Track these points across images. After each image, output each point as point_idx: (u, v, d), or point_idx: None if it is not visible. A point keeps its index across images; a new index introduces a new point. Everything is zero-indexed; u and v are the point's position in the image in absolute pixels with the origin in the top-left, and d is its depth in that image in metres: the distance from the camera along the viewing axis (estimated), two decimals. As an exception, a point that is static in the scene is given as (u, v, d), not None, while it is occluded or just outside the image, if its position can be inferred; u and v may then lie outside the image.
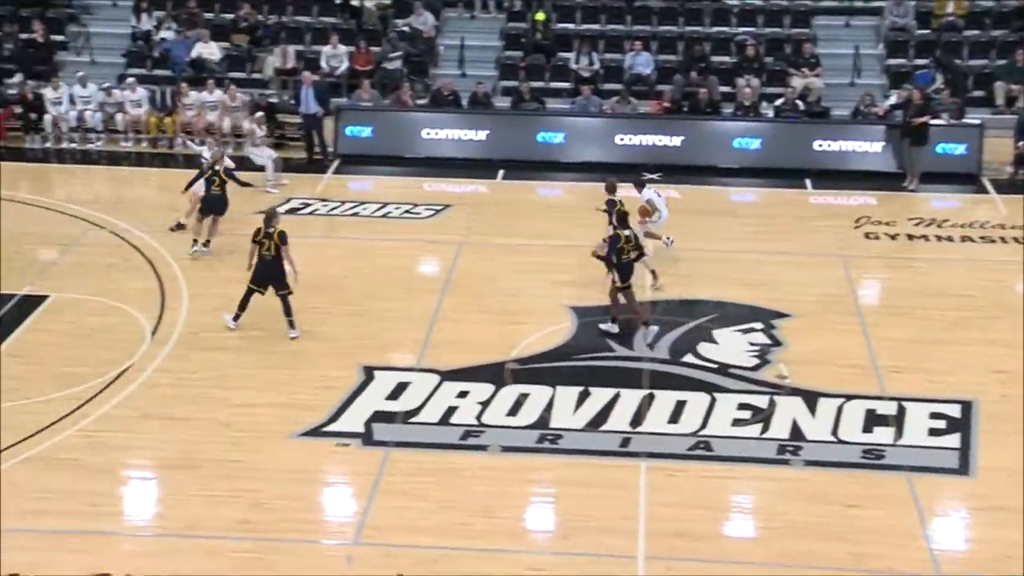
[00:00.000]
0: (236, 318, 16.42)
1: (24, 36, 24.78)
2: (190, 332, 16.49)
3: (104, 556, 11.94)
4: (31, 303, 17.14)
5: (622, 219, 16.45)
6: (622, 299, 16.36)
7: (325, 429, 14.27)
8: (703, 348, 16.19)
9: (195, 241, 18.65)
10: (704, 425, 14.37)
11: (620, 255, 16.14)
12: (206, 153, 19.89)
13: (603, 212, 17.70)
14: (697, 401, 14.86)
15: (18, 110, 23.47)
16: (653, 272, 17.59)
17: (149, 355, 15.85)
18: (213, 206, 18.50)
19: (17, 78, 24.02)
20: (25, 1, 25.62)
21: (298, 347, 16.11)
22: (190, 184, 18.87)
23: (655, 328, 16.47)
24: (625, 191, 18.46)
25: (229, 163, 19.21)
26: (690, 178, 22.47)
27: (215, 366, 15.66)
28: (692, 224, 20.26)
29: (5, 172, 22.12)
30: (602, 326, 16.58)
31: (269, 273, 16.11)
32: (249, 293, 16.29)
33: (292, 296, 16.17)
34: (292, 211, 20.64)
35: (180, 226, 19.29)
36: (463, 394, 15.01)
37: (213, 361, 15.77)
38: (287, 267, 16.11)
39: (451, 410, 14.68)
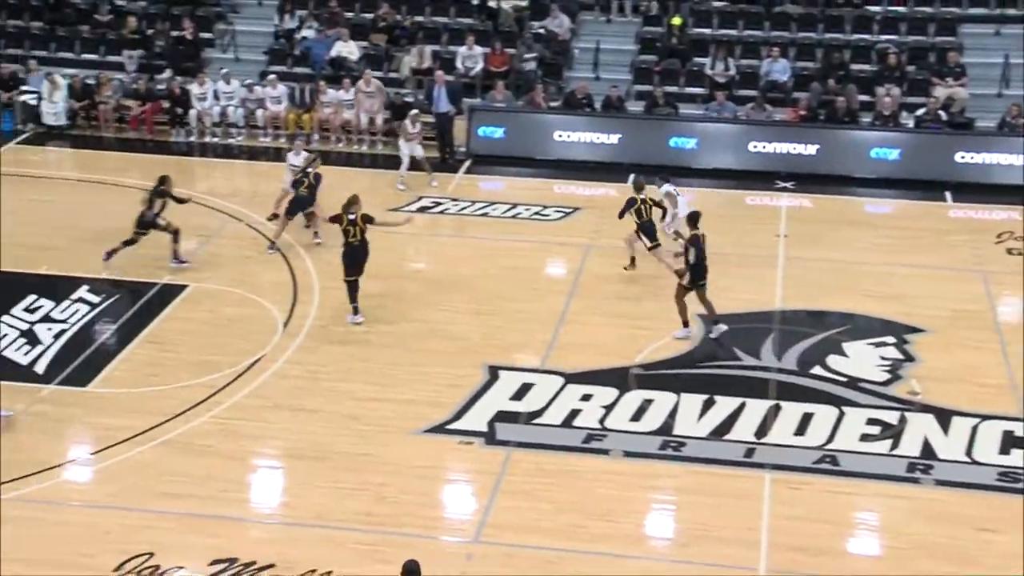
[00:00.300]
0: (356, 312, 16.75)
1: (174, 33, 25.55)
2: (320, 325, 16.82)
3: (233, 541, 12.27)
4: (171, 292, 17.68)
5: (693, 220, 16.40)
6: (696, 298, 16.33)
7: (449, 427, 14.41)
8: (832, 360, 15.90)
9: (272, 243, 18.94)
10: (831, 439, 14.12)
11: (699, 254, 16.18)
12: (294, 159, 20.12)
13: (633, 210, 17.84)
14: (825, 414, 14.60)
15: (165, 105, 24.21)
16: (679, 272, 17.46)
17: (280, 346, 16.22)
18: (299, 206, 18.80)
19: (166, 74, 24.79)
20: (177, 0, 26.43)
21: (425, 344, 16.30)
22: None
23: (723, 326, 16.41)
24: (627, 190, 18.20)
25: (319, 170, 19.27)
26: (825, 188, 22.08)
27: (344, 359, 15.94)
28: (825, 234, 19.92)
29: (151, 164, 22.82)
30: (712, 334, 16.47)
31: (357, 259, 16.60)
32: (350, 286, 16.70)
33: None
34: (423, 210, 20.90)
35: (275, 216, 19.66)
36: (587, 397, 15.01)
37: (342, 354, 16.06)
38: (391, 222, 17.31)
39: (574, 413, 14.70)
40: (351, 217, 16.52)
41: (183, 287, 17.79)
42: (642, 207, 17.67)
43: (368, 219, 16.63)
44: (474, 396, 15.06)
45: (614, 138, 23.35)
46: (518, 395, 15.11)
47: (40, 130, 23.95)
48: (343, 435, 14.24)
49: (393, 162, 22.29)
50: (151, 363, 15.78)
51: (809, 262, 18.85)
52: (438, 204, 21.21)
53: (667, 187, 19.04)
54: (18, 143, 23.57)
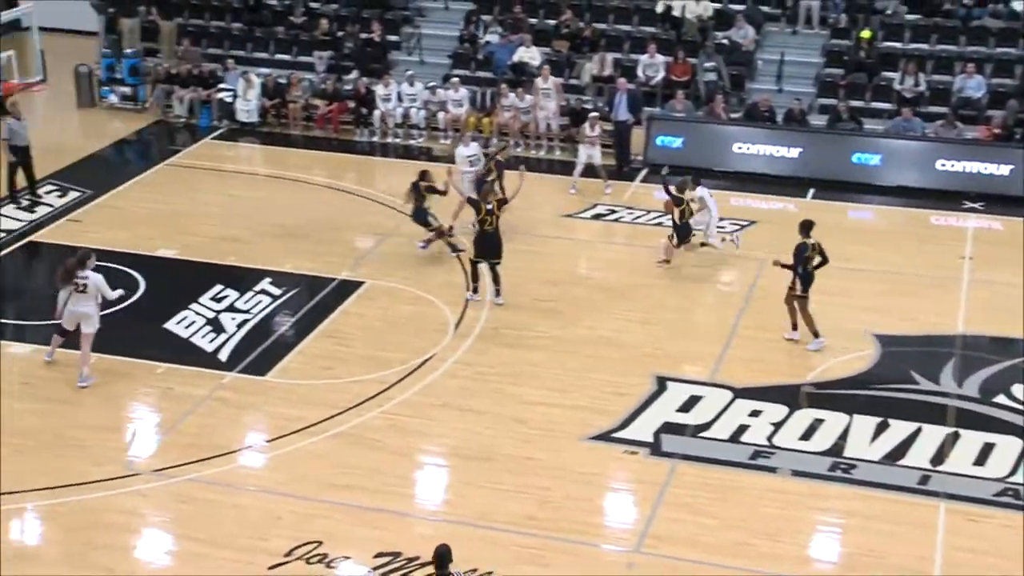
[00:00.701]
0: (475, 291, 17.57)
1: (363, 36, 26.20)
2: (491, 327, 16.98)
3: (397, 535, 12.50)
4: (348, 288, 18.12)
5: (806, 227, 16.22)
6: (798, 307, 16.27)
7: (615, 435, 14.38)
8: (1018, 390, 15.27)
9: (427, 243, 19.06)
10: (1014, 471, 13.55)
11: (806, 264, 15.99)
12: (464, 150, 20.45)
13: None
14: (1007, 445, 14.04)
15: (351, 105, 24.85)
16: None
17: (451, 346, 16.44)
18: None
19: (353, 75, 25.44)
20: (367, 3, 27.11)
21: (594, 351, 16.31)
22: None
23: (823, 340, 16.12)
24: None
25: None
26: (1016, 210, 21.18)
27: (513, 362, 16.06)
28: (1014, 258, 19.12)
29: (334, 162, 23.50)
30: (809, 347, 16.23)
31: (491, 246, 17.39)
32: (474, 266, 17.57)
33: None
34: (597, 216, 20.91)
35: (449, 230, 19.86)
36: (755, 413, 14.78)
37: (511, 357, 16.19)
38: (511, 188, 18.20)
39: (742, 428, 14.49)
40: (488, 207, 17.25)
41: (360, 283, 18.21)
42: (686, 208, 18.30)
43: (502, 204, 17.57)
44: (641, 406, 14.99)
45: (795, 152, 22.92)
46: (685, 407, 14.98)
47: (233, 126, 24.87)
48: (509, 437, 14.35)
49: (569, 168, 22.38)
50: (326, 356, 16.20)
51: (996, 286, 18.14)
52: (612, 212, 21.18)
53: (701, 190, 19.06)
54: (213, 138, 24.53)
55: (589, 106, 24.02)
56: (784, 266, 16.25)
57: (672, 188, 18.63)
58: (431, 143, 24.28)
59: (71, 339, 15.41)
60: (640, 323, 17.15)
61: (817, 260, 16.17)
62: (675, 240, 18.58)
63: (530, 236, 19.28)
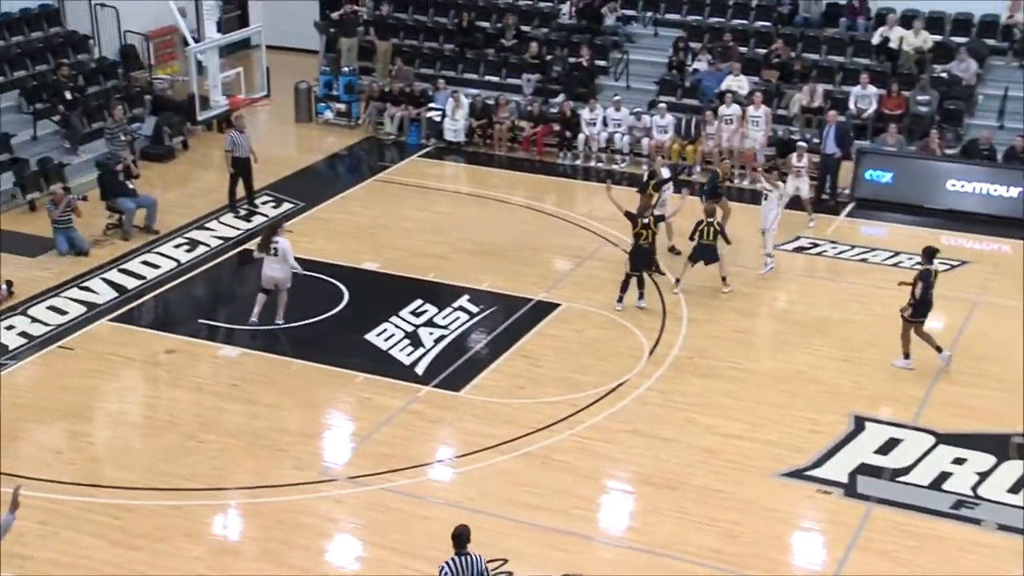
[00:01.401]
0: (620, 300, 18.01)
1: (571, 60, 26.44)
2: (685, 356, 16.84)
3: (581, 558, 12.51)
4: (544, 309, 18.25)
5: (929, 255, 16.16)
6: (907, 329, 16.31)
7: (808, 473, 14.05)
8: None
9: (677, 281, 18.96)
10: None
11: (926, 291, 15.94)
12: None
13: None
14: None
15: (556, 128, 25.07)
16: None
17: (644, 373, 16.37)
18: (701, 254, 18.63)
19: (560, 98, 25.68)
20: (577, 28, 27.35)
21: (789, 386, 15.99)
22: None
23: (911, 362, 16.08)
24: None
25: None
26: None
27: (706, 393, 15.88)
28: None
29: (537, 184, 23.75)
30: (896, 363, 16.19)
31: (645, 259, 17.98)
32: (627, 279, 18.00)
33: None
34: (799, 250, 20.49)
35: (674, 250, 19.82)
36: (959, 461, 14.21)
37: (704, 388, 16.01)
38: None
39: (944, 475, 13.94)
40: (644, 221, 17.79)
41: (556, 305, 18.32)
42: (707, 229, 18.44)
43: (658, 221, 18.09)
44: (837, 445, 14.60)
45: (1014, 191, 21.94)
46: (884, 449, 14.51)
47: (440, 145, 25.43)
48: (698, 468, 14.18)
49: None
50: (519, 375, 16.35)
51: None
52: (816, 245, 20.72)
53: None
54: (420, 156, 25.13)
55: (797, 137, 23.60)
56: (905, 283, 16.47)
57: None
58: (634, 168, 24.27)
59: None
60: (839, 360, 16.71)
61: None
62: (689, 264, 18.62)
63: (728, 265, 19.01)
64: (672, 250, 19.78)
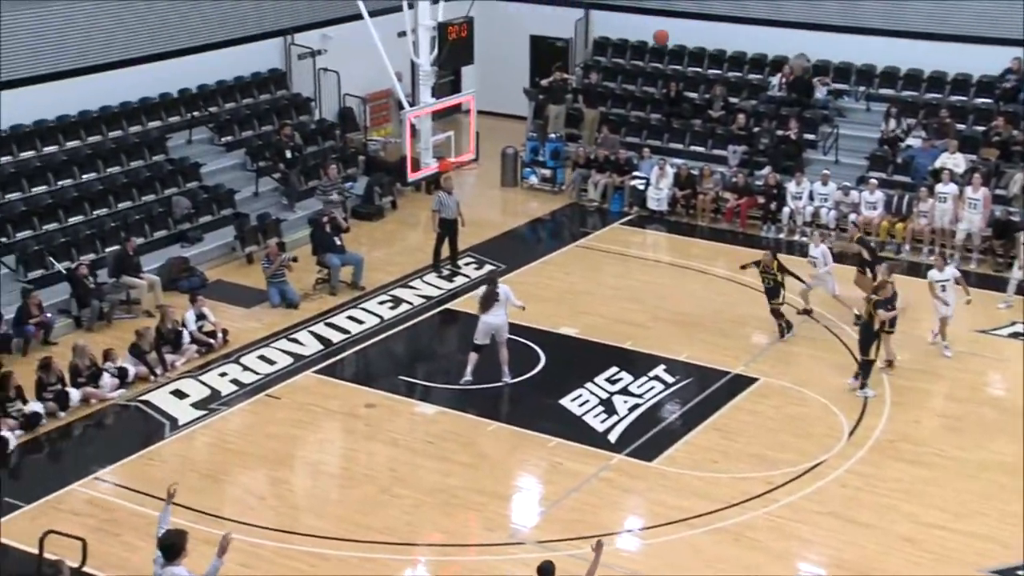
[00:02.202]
0: (863, 387, 17.45)
1: (779, 133, 26.18)
2: (888, 440, 16.30)
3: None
4: (741, 382, 17.98)
5: None
6: None
7: (1019, 572, 13.32)
8: None
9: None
10: None
11: None
12: (813, 251, 20.22)
13: None
14: None
15: (760, 200, 24.81)
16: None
17: (843, 454, 15.91)
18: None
19: (765, 170, 25.41)
20: (787, 101, 27.10)
21: (998, 477, 15.28)
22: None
23: None
24: None
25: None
26: None
27: (908, 479, 15.32)
28: None
29: (738, 256, 23.38)
30: None
31: (869, 338, 17.41)
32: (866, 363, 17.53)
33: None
34: (1015, 335, 19.61)
35: (808, 312, 19.80)
36: None
37: (907, 473, 15.45)
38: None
39: None
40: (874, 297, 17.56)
41: (754, 380, 18.03)
42: (764, 275, 19.26)
43: (877, 305, 17.42)
44: (1050, 543, 13.84)
45: None
46: (1101, 552, 13.68)
47: (643, 213, 25.47)
48: (896, 556, 13.67)
49: (988, 281, 21.21)
50: (713, 449, 16.13)
51: None
52: (1032, 331, 19.82)
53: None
54: (622, 223, 25.23)
55: (1017, 218, 22.69)
56: None
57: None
58: (840, 244, 23.75)
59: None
60: (1057, 454, 15.89)
61: None
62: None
63: (939, 347, 18.36)
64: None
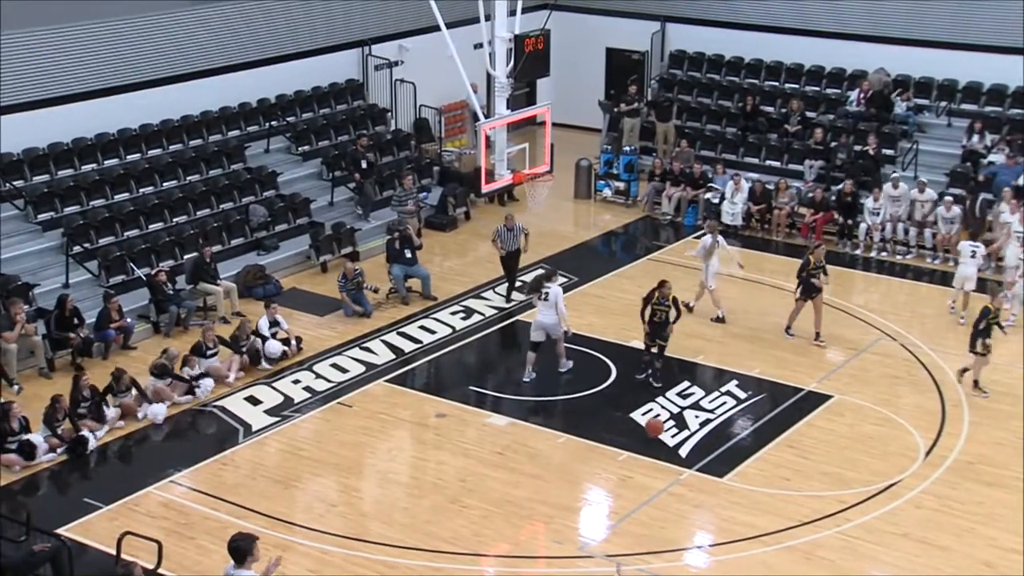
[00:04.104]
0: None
1: (857, 148, 25.86)
2: (966, 461, 15.99)
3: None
4: (814, 400, 17.76)
5: None
6: None
7: (1098, 599, 13.02)
8: None
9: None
10: None
11: None
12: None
13: None
14: None
15: (836, 216, 24.52)
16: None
17: (919, 474, 15.64)
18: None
19: (842, 186, 25.11)
20: (865, 116, 26.77)
21: (1082, 503, 14.92)
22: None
23: None
24: None
25: None
26: None
27: (987, 501, 15.01)
28: None
29: (814, 272, 23.20)
30: None
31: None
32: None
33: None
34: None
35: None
36: None
37: (986, 496, 15.14)
38: None
39: None
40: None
41: (827, 397, 17.80)
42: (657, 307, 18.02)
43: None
44: None
45: None
46: None
47: (718, 227, 25.21)
48: (974, 581, 13.40)
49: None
50: (785, 466, 15.94)
51: None
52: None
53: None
54: (695, 237, 25.02)
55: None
56: None
57: None
58: (918, 262, 23.40)
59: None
60: None
61: None
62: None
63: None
64: None
